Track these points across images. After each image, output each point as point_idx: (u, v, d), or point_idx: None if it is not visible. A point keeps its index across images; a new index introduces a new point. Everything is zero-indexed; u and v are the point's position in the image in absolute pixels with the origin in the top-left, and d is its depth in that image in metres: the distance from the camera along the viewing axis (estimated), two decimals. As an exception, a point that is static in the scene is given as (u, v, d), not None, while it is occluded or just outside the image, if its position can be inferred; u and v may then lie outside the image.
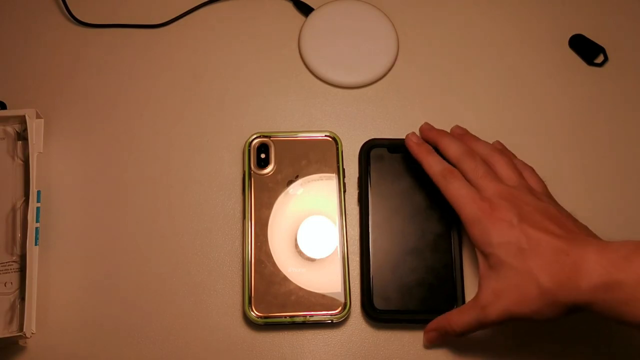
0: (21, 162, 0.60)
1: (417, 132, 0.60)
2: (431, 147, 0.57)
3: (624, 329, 0.55)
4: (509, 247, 0.50)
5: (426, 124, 0.60)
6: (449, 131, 0.60)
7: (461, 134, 0.59)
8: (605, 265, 0.46)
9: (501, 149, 0.58)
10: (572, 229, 0.50)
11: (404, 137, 0.61)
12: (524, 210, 0.51)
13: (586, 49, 0.66)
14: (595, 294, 0.46)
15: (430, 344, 0.55)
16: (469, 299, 0.56)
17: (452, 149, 0.56)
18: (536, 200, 0.52)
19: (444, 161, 0.56)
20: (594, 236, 0.52)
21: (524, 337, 0.56)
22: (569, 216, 0.53)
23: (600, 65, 0.66)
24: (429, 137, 0.59)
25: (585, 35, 0.66)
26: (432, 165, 0.56)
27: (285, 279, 0.56)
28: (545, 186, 0.56)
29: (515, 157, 0.58)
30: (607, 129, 0.64)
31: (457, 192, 0.53)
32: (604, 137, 0.63)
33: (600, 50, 0.66)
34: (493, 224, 0.51)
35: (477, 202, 0.52)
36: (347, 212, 0.59)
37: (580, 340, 0.57)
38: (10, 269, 0.57)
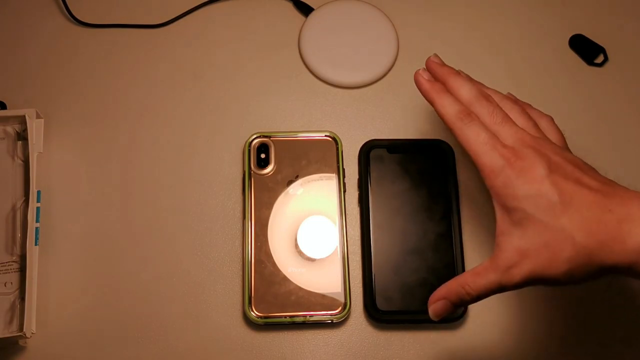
0: (21, 162, 0.60)
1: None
2: (444, 87, 0.50)
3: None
4: (538, 200, 0.44)
5: (435, 56, 0.52)
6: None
7: (470, 78, 0.52)
8: None
9: (514, 99, 0.53)
10: (608, 182, 0.45)
11: (403, 137, 0.61)
12: (552, 160, 0.45)
13: (586, 49, 0.66)
14: None
15: (438, 316, 0.47)
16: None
17: (464, 88, 0.50)
18: (562, 150, 0.47)
19: (459, 102, 0.49)
20: (632, 190, 0.44)
21: (528, 336, 0.57)
22: (596, 171, 0.47)
23: (600, 65, 0.66)
24: (439, 74, 0.51)
25: (585, 35, 0.66)
26: (446, 105, 0.49)
27: (285, 279, 0.56)
28: (564, 138, 0.51)
29: (531, 106, 0.53)
30: (607, 129, 0.64)
31: (476, 136, 0.47)
32: (604, 137, 0.63)
33: (600, 50, 0.66)
34: (519, 173, 0.45)
35: (499, 149, 0.46)
36: (347, 212, 0.59)
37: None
38: (10, 269, 0.57)
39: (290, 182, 0.59)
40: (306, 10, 0.67)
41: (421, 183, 0.59)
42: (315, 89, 0.64)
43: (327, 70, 0.64)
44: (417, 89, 0.64)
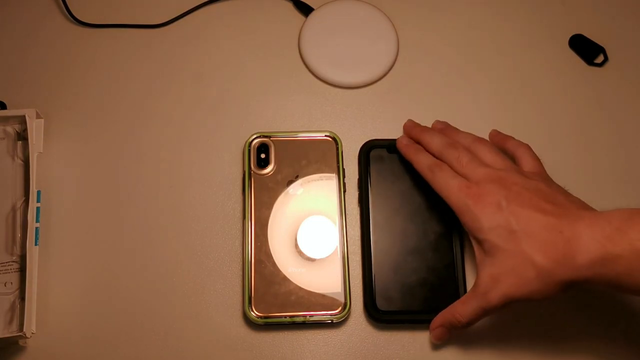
0: (21, 162, 0.60)
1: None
2: (419, 146, 0.58)
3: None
4: (499, 230, 0.49)
5: (409, 121, 0.61)
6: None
7: (442, 128, 0.60)
8: (599, 240, 0.45)
9: (489, 137, 0.59)
10: (563, 204, 0.50)
11: (403, 137, 0.62)
12: (511, 190, 0.50)
13: (586, 49, 0.66)
14: (593, 269, 0.46)
15: (439, 341, 0.55)
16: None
17: (434, 142, 0.57)
18: (525, 179, 0.52)
19: (431, 156, 0.56)
20: (587, 208, 0.51)
21: (525, 336, 0.57)
22: (560, 191, 0.52)
23: (600, 65, 0.66)
24: (412, 135, 0.60)
25: (585, 35, 0.66)
26: (420, 161, 0.56)
27: (285, 279, 0.56)
28: (540, 163, 0.55)
29: (512, 138, 0.58)
30: (607, 129, 0.64)
31: (444, 182, 0.53)
32: (604, 137, 0.63)
33: (600, 50, 0.66)
34: (482, 209, 0.50)
35: (464, 190, 0.52)
36: (347, 212, 0.59)
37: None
38: (10, 269, 0.57)
39: (290, 182, 0.59)
40: (306, 10, 0.67)
41: (421, 183, 0.59)
42: (315, 89, 0.64)
43: (327, 70, 0.64)
44: (417, 88, 0.65)
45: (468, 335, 0.56)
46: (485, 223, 0.50)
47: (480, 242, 0.51)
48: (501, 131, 0.59)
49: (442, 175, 0.54)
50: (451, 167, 0.54)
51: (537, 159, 0.56)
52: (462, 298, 0.52)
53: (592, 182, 0.61)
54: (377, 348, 0.56)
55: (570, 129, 0.64)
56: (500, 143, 0.58)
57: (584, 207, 0.51)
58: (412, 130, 0.60)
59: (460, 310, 0.52)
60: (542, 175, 0.55)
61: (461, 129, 0.60)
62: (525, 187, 0.51)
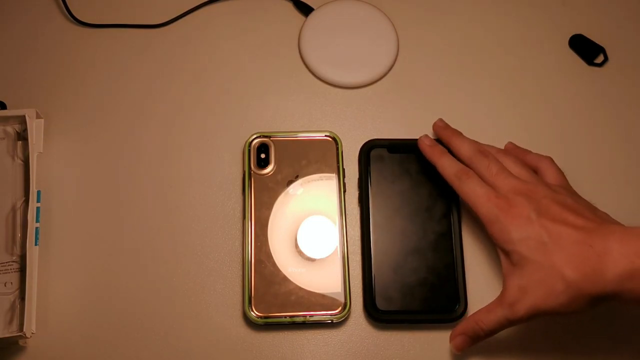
0: (21, 162, 0.60)
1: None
2: (444, 149, 0.58)
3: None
4: (529, 242, 0.49)
5: (440, 120, 0.60)
6: None
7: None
8: (628, 255, 0.46)
9: (513, 147, 0.59)
10: (592, 219, 0.50)
11: (403, 138, 0.61)
12: (541, 203, 0.51)
13: (586, 49, 0.66)
14: (622, 283, 0.46)
15: (459, 350, 0.54)
16: (472, 298, 0.56)
17: (464, 147, 0.57)
18: (552, 192, 0.52)
19: (458, 162, 0.56)
20: (615, 223, 0.51)
21: (528, 342, 0.57)
22: (587, 205, 0.52)
23: (600, 65, 0.66)
24: (442, 135, 0.59)
25: (585, 35, 0.66)
26: (446, 167, 0.56)
27: (285, 279, 0.56)
28: (563, 176, 0.56)
29: (530, 151, 0.58)
30: (607, 129, 0.64)
31: (472, 191, 0.53)
32: (604, 137, 0.63)
33: (600, 50, 0.66)
34: (512, 220, 0.50)
35: (493, 200, 0.52)
36: (347, 212, 0.59)
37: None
38: (10, 269, 0.57)
39: (290, 182, 0.59)
40: (306, 10, 0.67)
41: (421, 183, 0.59)
42: (315, 89, 0.64)
43: (327, 70, 0.64)
44: (417, 88, 0.65)
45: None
46: (514, 234, 0.50)
47: (508, 253, 0.51)
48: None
49: (469, 184, 0.54)
50: (480, 175, 0.54)
51: (561, 172, 0.56)
52: (487, 307, 0.52)
53: (592, 182, 0.61)
54: (377, 348, 0.56)
55: (570, 129, 0.64)
56: (520, 156, 0.58)
57: (612, 221, 0.51)
58: (443, 131, 0.59)
59: (484, 319, 0.51)
60: (568, 188, 0.55)
61: (461, 130, 0.60)
62: (554, 200, 0.51)
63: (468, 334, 0.53)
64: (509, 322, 0.50)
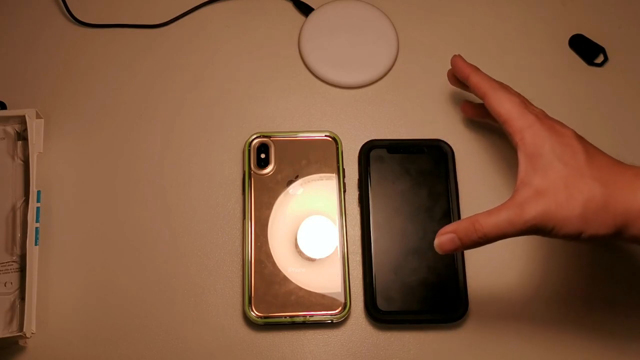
0: (21, 162, 0.60)
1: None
2: (478, 68, 0.56)
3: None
4: (565, 148, 0.47)
5: (459, 56, 0.58)
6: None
7: None
8: None
9: None
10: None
11: (403, 138, 0.61)
12: (578, 134, 0.49)
13: (586, 49, 0.66)
14: None
15: (442, 250, 0.48)
16: (472, 298, 0.56)
17: (486, 79, 0.54)
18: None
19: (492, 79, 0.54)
20: None
21: (526, 341, 0.57)
22: None
23: (600, 65, 0.66)
24: (464, 68, 0.56)
25: (585, 35, 0.66)
26: (482, 76, 0.54)
27: (285, 279, 0.56)
28: None
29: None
30: (607, 129, 0.64)
31: (508, 97, 0.51)
32: (604, 137, 0.63)
33: (600, 50, 0.66)
34: (548, 128, 0.48)
35: (530, 108, 0.50)
36: (347, 212, 0.59)
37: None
38: (10, 269, 0.57)
39: (290, 182, 0.59)
40: (306, 10, 0.67)
41: (421, 183, 0.59)
42: (315, 89, 0.64)
43: (327, 70, 0.64)
44: (417, 88, 0.65)
45: (468, 334, 0.56)
46: (550, 140, 0.47)
47: (535, 157, 0.47)
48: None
49: (506, 91, 0.51)
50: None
51: None
52: (489, 210, 0.47)
53: (592, 182, 0.61)
54: (377, 348, 0.56)
55: (570, 129, 0.64)
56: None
57: None
58: (465, 66, 0.56)
59: (482, 219, 0.46)
60: None
61: (461, 130, 0.59)
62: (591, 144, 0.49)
63: (458, 234, 0.47)
64: (511, 227, 0.46)
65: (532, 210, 0.45)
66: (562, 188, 0.45)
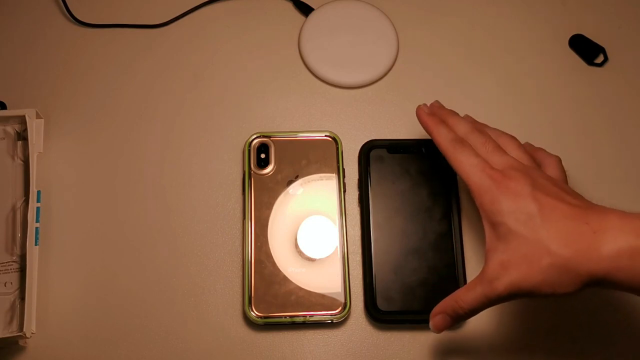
0: (21, 162, 0.60)
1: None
2: (441, 119, 0.55)
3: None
4: (519, 215, 0.46)
5: (437, 102, 0.57)
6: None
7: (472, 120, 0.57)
8: (628, 231, 0.43)
9: (509, 134, 0.56)
10: (588, 202, 0.47)
11: (403, 138, 0.61)
12: (538, 181, 0.48)
13: (586, 49, 0.66)
14: (618, 260, 0.43)
15: (438, 330, 0.50)
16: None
17: (461, 125, 0.54)
18: (550, 177, 0.50)
19: (453, 131, 0.53)
20: (608, 208, 0.47)
21: (526, 340, 0.57)
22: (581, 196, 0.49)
23: (600, 65, 0.66)
24: (439, 114, 0.56)
25: (585, 35, 0.66)
26: (442, 134, 0.53)
27: (285, 279, 0.56)
28: (565, 176, 0.53)
29: (543, 149, 0.55)
30: (607, 129, 0.64)
31: (467, 159, 0.50)
32: (604, 137, 0.63)
33: (600, 50, 0.66)
34: (504, 190, 0.47)
35: (487, 171, 0.49)
36: (347, 212, 0.59)
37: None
38: (10, 269, 0.57)
39: (290, 182, 0.59)
40: (306, 10, 0.67)
41: (421, 183, 0.59)
42: (315, 89, 0.64)
43: (327, 70, 0.64)
44: (417, 88, 0.65)
45: (468, 334, 0.56)
46: (505, 205, 0.47)
47: (495, 226, 0.48)
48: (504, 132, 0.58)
49: (464, 152, 0.51)
50: (476, 149, 0.51)
51: (564, 172, 0.53)
52: (467, 285, 0.49)
53: (591, 182, 0.61)
54: (377, 348, 0.56)
55: (570, 129, 0.64)
56: (530, 151, 0.55)
57: (605, 207, 0.47)
58: (439, 110, 0.56)
59: (463, 297, 0.48)
60: (566, 184, 0.53)
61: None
62: (550, 181, 0.49)
63: (448, 313, 0.49)
64: (488, 300, 0.47)
65: (501, 286, 0.46)
66: (522, 259, 0.46)
